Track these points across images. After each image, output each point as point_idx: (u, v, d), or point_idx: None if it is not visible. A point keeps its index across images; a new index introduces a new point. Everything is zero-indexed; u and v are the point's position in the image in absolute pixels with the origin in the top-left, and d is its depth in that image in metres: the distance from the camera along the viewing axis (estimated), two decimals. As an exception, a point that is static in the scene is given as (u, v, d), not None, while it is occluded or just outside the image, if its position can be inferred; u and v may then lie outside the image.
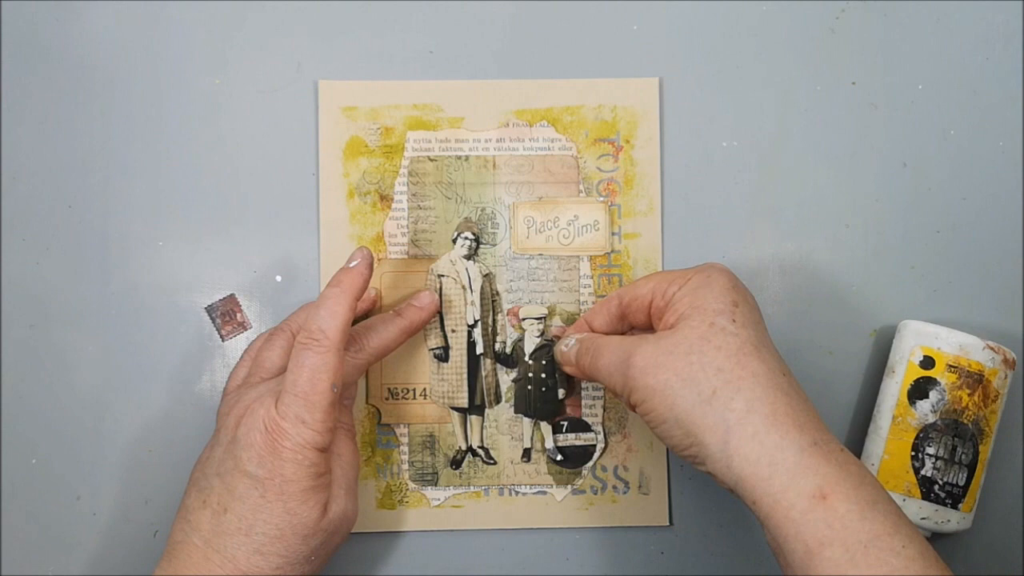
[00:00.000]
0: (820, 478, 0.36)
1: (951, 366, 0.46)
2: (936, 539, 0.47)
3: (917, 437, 0.46)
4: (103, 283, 0.49)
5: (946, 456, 0.45)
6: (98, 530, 0.48)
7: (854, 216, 0.50)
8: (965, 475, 0.46)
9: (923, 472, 0.45)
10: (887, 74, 0.50)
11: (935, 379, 0.46)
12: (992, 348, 0.46)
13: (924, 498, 0.46)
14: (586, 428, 0.49)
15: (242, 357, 0.47)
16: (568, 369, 0.46)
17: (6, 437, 0.48)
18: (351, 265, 0.43)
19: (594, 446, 0.49)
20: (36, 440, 0.48)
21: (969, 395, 0.46)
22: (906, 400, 0.46)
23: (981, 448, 0.46)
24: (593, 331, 0.46)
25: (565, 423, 0.49)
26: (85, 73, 0.49)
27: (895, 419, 0.46)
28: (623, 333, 0.46)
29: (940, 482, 0.46)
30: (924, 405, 0.46)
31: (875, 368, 0.49)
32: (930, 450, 0.45)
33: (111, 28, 0.49)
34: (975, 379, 0.46)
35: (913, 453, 0.46)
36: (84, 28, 0.49)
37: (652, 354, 0.40)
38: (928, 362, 0.46)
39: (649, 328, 0.44)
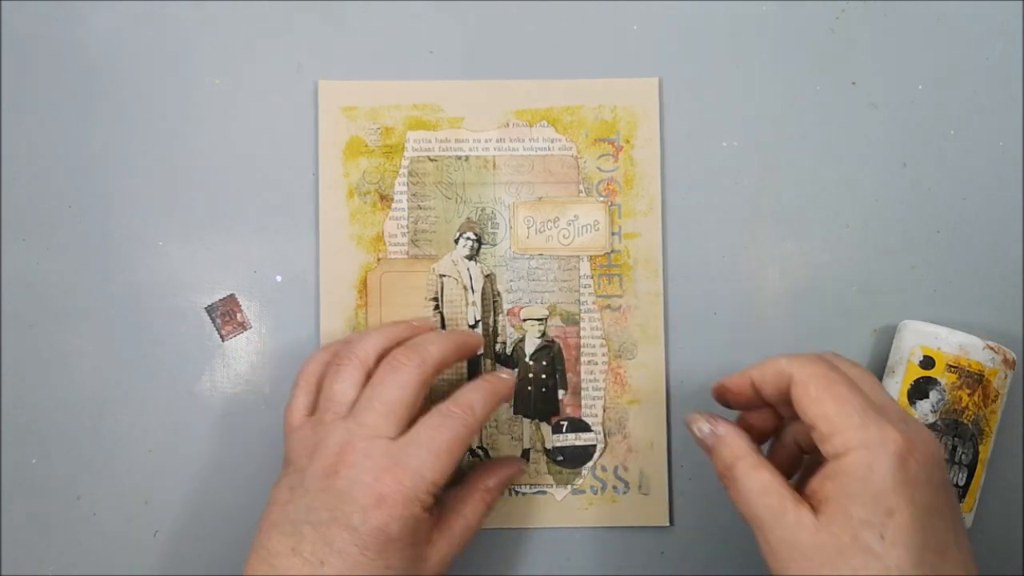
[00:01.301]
0: None
1: (951, 366, 0.46)
2: None
3: None
4: (103, 283, 0.49)
5: (946, 456, 0.45)
6: (98, 530, 0.48)
7: (854, 216, 0.50)
8: (965, 475, 0.46)
9: None
10: (887, 74, 0.50)
11: (935, 379, 0.46)
12: (992, 348, 0.46)
13: None
14: (586, 428, 0.49)
15: (298, 384, 0.44)
16: (705, 452, 0.41)
17: (6, 437, 0.48)
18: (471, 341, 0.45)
19: (594, 446, 0.49)
20: (36, 440, 0.48)
21: (969, 395, 0.46)
22: (906, 400, 0.46)
23: (981, 448, 0.46)
24: (756, 390, 0.41)
25: (564, 423, 0.49)
26: (85, 73, 0.49)
27: None
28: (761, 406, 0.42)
29: None
30: (924, 405, 0.46)
31: (875, 368, 0.49)
32: None
33: (111, 28, 0.49)
34: (975, 379, 0.46)
35: None
36: (84, 28, 0.49)
37: (785, 545, 0.36)
38: (928, 362, 0.46)
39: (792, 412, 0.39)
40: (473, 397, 0.41)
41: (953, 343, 0.46)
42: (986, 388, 0.46)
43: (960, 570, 0.35)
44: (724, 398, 0.43)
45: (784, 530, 0.36)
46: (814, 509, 0.36)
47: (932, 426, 0.46)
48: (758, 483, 0.37)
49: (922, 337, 0.46)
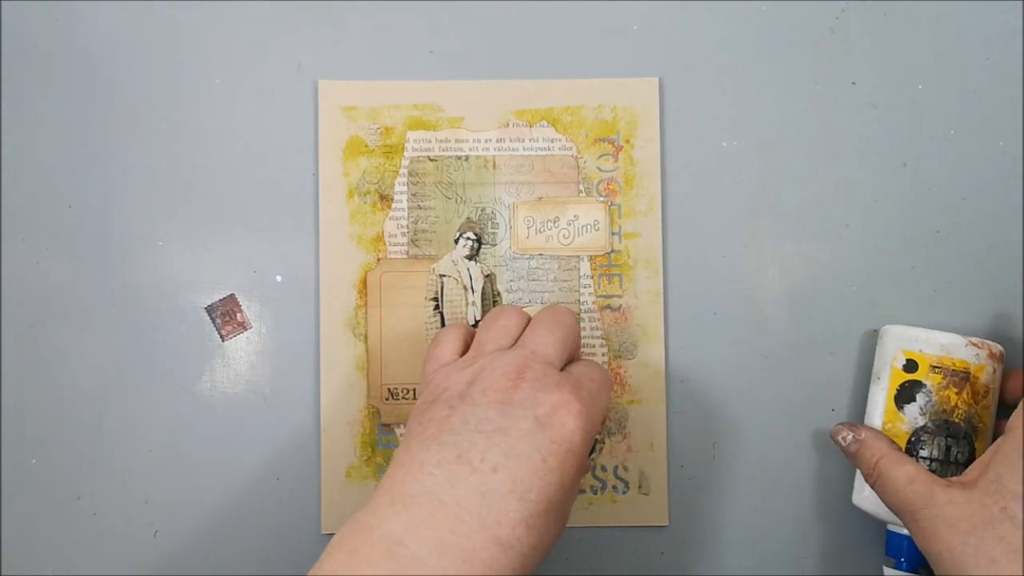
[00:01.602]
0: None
1: (934, 367, 0.45)
2: None
3: (909, 442, 0.45)
4: (103, 283, 0.49)
5: (940, 457, 0.45)
6: (98, 530, 0.48)
7: (854, 216, 0.50)
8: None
9: None
10: (887, 74, 0.50)
11: (920, 382, 0.46)
12: (975, 344, 0.46)
13: None
14: None
15: (448, 329, 0.44)
16: (851, 460, 0.46)
17: (6, 437, 0.48)
18: None
19: (593, 443, 0.49)
20: (36, 440, 0.48)
21: (957, 394, 0.45)
22: (894, 406, 0.46)
23: (977, 445, 0.46)
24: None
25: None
26: (85, 73, 0.49)
27: (885, 425, 0.46)
28: None
29: None
30: (912, 409, 0.46)
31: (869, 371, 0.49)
32: (923, 453, 0.45)
33: (111, 28, 0.49)
34: (961, 377, 0.45)
35: None
36: (84, 28, 0.49)
37: (935, 521, 0.39)
38: (911, 365, 0.46)
39: None
40: (598, 370, 0.42)
41: (934, 344, 0.46)
42: (974, 385, 0.46)
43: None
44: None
45: (934, 508, 0.39)
46: (963, 488, 0.39)
47: (922, 428, 0.45)
48: (904, 474, 0.41)
49: (903, 341, 0.46)
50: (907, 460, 0.43)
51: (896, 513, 0.42)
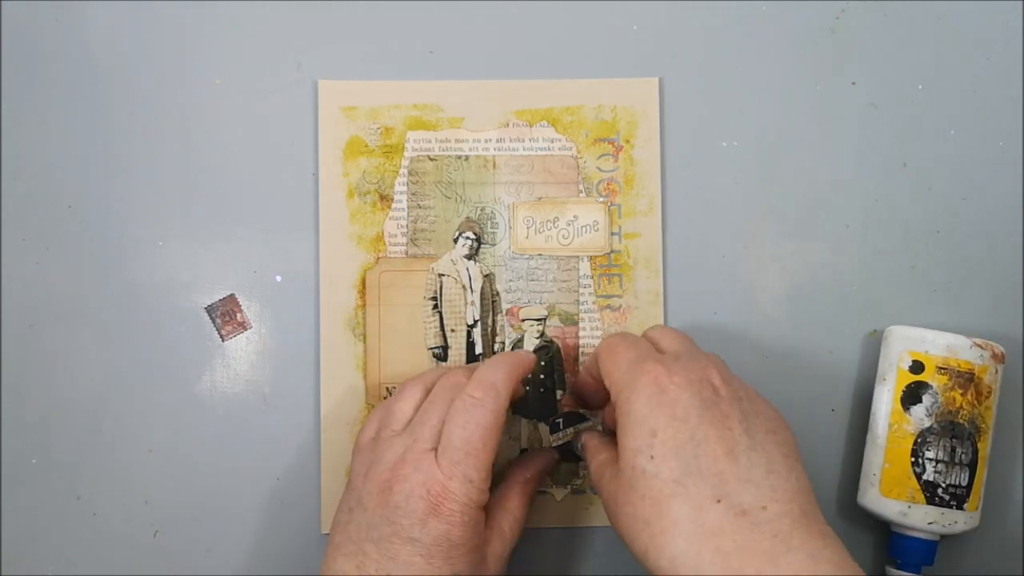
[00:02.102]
0: None
1: (940, 368, 0.45)
2: (945, 541, 0.47)
3: (915, 442, 0.45)
4: (103, 283, 0.49)
5: (946, 458, 0.45)
6: (98, 530, 0.48)
7: (854, 216, 0.50)
8: (967, 475, 0.46)
9: (925, 477, 0.45)
10: (887, 74, 0.50)
11: (926, 383, 0.46)
12: (979, 345, 0.46)
13: (929, 503, 0.45)
14: (582, 419, 0.49)
15: (372, 415, 0.45)
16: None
17: (6, 437, 0.48)
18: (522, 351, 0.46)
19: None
20: (36, 440, 0.48)
21: (962, 395, 0.45)
22: (900, 407, 0.46)
23: (980, 446, 0.46)
24: (593, 379, 0.44)
25: (560, 420, 0.49)
26: (85, 73, 0.49)
27: (891, 427, 0.46)
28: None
29: (943, 485, 0.45)
30: (919, 410, 0.46)
31: (875, 368, 0.49)
32: (929, 454, 0.45)
33: (111, 28, 0.50)
34: (966, 378, 0.45)
35: (913, 459, 0.45)
36: (84, 28, 0.49)
37: (607, 502, 0.39)
38: (918, 366, 0.46)
39: None
40: (494, 377, 0.41)
41: (940, 345, 0.46)
42: (978, 386, 0.46)
43: (760, 471, 0.36)
44: (582, 398, 0.47)
45: (604, 491, 0.39)
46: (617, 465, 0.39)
47: (928, 430, 0.45)
48: (597, 461, 0.41)
49: (909, 342, 0.46)
50: (604, 448, 0.42)
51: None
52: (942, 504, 0.45)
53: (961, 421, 0.45)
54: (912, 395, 0.46)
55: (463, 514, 0.39)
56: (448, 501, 0.39)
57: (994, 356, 0.46)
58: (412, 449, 0.40)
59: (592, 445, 0.43)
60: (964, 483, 0.46)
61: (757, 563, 0.34)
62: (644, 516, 0.36)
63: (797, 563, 0.33)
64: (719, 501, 0.35)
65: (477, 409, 0.40)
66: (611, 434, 0.42)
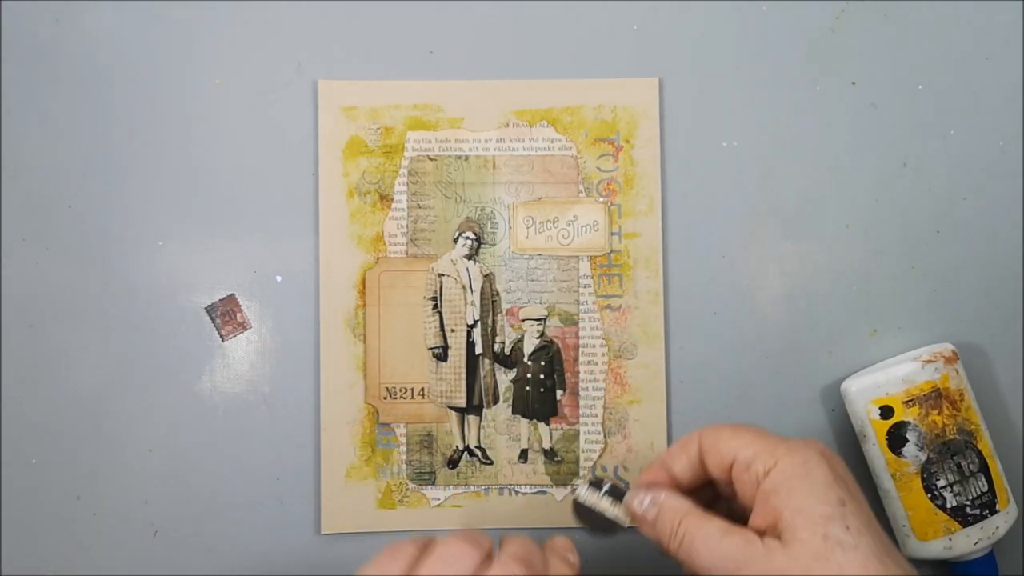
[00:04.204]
0: None
1: (907, 402, 0.45)
2: (999, 547, 0.47)
3: (923, 479, 0.45)
4: (103, 283, 0.49)
5: (958, 478, 0.45)
6: (98, 530, 0.48)
7: (854, 216, 0.50)
8: (984, 479, 0.45)
9: (949, 505, 0.45)
10: (887, 74, 0.50)
11: (903, 422, 0.45)
12: (928, 360, 0.46)
13: (965, 525, 0.45)
14: (621, 495, 0.41)
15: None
16: (646, 531, 0.40)
17: (6, 437, 0.48)
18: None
19: (624, 527, 0.41)
20: (36, 440, 0.48)
21: (939, 413, 0.45)
22: (891, 455, 0.46)
23: (981, 446, 0.46)
24: (672, 477, 0.40)
25: (607, 485, 0.42)
26: (85, 73, 0.49)
27: (895, 476, 0.46)
28: (704, 482, 0.40)
29: (969, 502, 0.45)
30: (909, 449, 0.45)
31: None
32: (941, 482, 0.45)
33: (111, 28, 0.50)
34: (934, 397, 0.45)
35: (930, 495, 0.45)
36: (84, 28, 0.49)
37: (766, 570, 0.34)
38: (887, 411, 0.45)
39: (731, 486, 0.38)
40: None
41: (896, 379, 0.46)
42: (948, 397, 0.45)
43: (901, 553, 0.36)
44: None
45: (759, 561, 0.34)
46: (776, 537, 0.35)
47: (928, 462, 0.45)
48: (716, 528, 0.36)
49: (868, 392, 0.46)
50: (714, 517, 0.37)
51: (712, 572, 0.36)
52: (977, 520, 0.45)
53: (952, 437, 0.45)
54: (896, 439, 0.46)
55: None
56: None
57: (947, 360, 0.46)
58: None
59: (682, 508, 0.38)
60: (985, 488, 0.45)
61: None
62: None
63: None
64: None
65: None
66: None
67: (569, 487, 0.48)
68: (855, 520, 0.34)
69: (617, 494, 0.41)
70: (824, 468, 0.35)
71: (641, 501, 0.39)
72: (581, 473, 0.49)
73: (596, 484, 0.42)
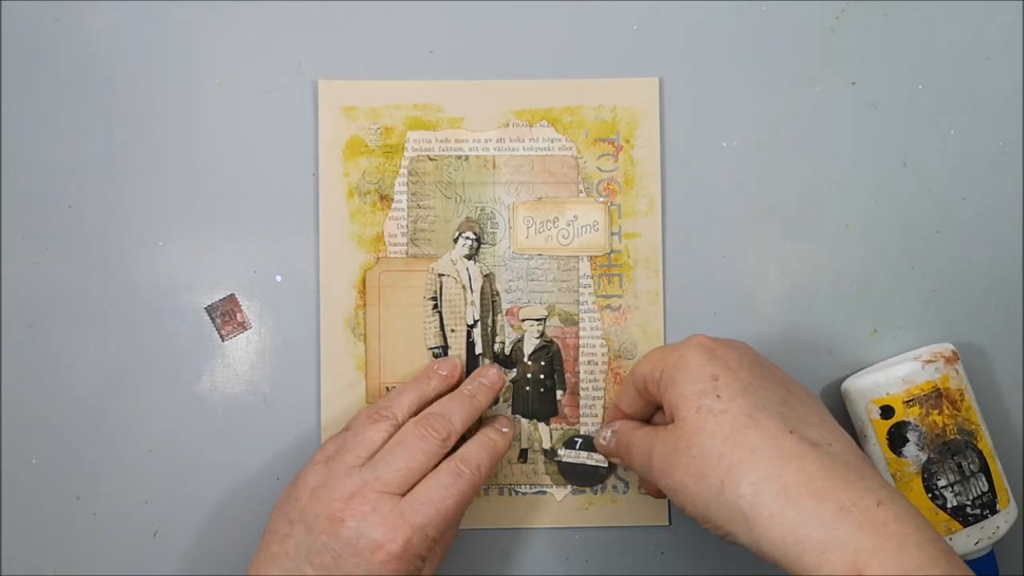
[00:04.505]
0: (852, 551, 0.34)
1: (907, 402, 0.45)
2: (999, 547, 0.47)
3: (923, 479, 0.45)
4: (103, 283, 0.49)
5: (958, 477, 0.45)
6: (98, 530, 0.48)
7: (854, 216, 0.50)
8: (984, 479, 0.45)
9: (949, 505, 0.45)
10: (887, 74, 0.50)
11: (904, 421, 0.45)
12: (929, 360, 0.46)
13: (965, 525, 0.45)
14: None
15: (332, 438, 0.45)
16: (616, 461, 0.46)
17: (6, 437, 0.48)
18: (485, 382, 0.47)
19: (605, 468, 0.49)
20: (36, 440, 0.48)
21: (939, 413, 0.45)
22: (892, 455, 0.46)
23: (981, 446, 0.46)
24: (624, 415, 0.46)
25: (579, 440, 0.49)
26: (85, 73, 0.49)
27: (895, 476, 0.46)
28: (651, 412, 0.45)
29: (969, 502, 0.45)
30: (910, 449, 0.45)
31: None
32: (941, 482, 0.45)
33: (111, 28, 0.50)
34: (934, 397, 0.45)
35: (930, 495, 0.45)
36: (84, 28, 0.49)
37: (663, 455, 0.39)
38: (887, 411, 0.46)
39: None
40: (481, 456, 0.43)
41: (896, 379, 0.46)
42: (948, 397, 0.45)
43: (815, 418, 0.38)
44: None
45: (660, 445, 0.40)
46: (672, 421, 0.40)
47: (929, 462, 0.45)
48: (639, 433, 0.42)
49: (869, 392, 0.46)
50: (643, 425, 0.44)
51: (643, 474, 0.42)
52: (977, 520, 0.45)
53: (952, 436, 0.45)
54: (897, 439, 0.46)
55: (409, 563, 0.40)
56: (399, 550, 0.39)
57: (947, 360, 0.46)
58: (372, 487, 0.41)
59: (627, 427, 0.44)
60: (985, 488, 0.45)
61: (839, 482, 0.35)
62: (716, 452, 0.37)
63: (875, 487, 0.35)
64: (791, 432, 0.37)
65: (463, 480, 0.42)
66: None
67: (555, 458, 0.49)
68: (727, 389, 0.38)
69: (590, 444, 0.48)
70: (698, 354, 0.40)
71: (604, 436, 0.46)
72: (585, 491, 0.49)
73: (570, 443, 0.48)
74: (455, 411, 0.44)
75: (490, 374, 0.47)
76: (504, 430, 0.46)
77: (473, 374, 0.47)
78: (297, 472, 0.44)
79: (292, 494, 0.42)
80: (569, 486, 0.49)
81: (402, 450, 0.42)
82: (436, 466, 0.42)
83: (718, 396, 0.38)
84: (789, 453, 0.36)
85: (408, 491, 0.41)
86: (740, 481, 0.36)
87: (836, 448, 0.37)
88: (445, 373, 0.47)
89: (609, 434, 0.45)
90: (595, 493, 0.49)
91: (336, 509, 0.40)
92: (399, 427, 0.44)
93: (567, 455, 0.49)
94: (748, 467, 0.36)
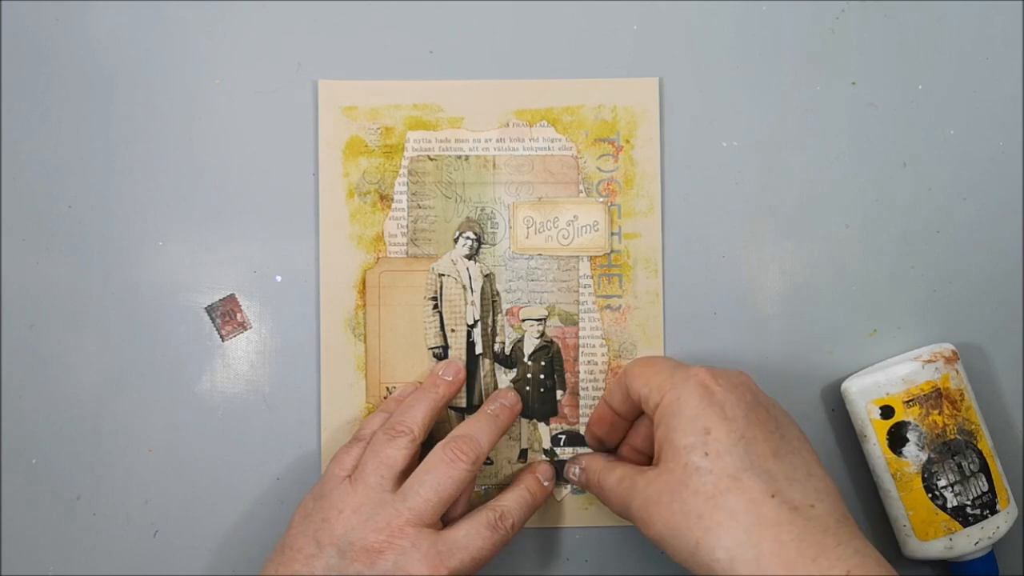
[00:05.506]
0: None
1: (907, 402, 0.45)
2: (999, 547, 0.47)
3: (924, 479, 0.45)
4: (103, 283, 0.49)
5: (958, 477, 0.45)
6: (98, 530, 0.48)
7: (854, 216, 0.50)
8: (984, 479, 0.45)
9: (949, 505, 0.45)
10: (887, 74, 0.50)
11: (903, 421, 0.45)
12: (928, 360, 0.45)
13: (966, 525, 0.45)
14: (583, 442, 0.49)
15: (351, 443, 0.45)
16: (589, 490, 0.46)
17: (6, 437, 0.48)
18: (506, 403, 0.47)
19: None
20: (36, 440, 0.48)
21: (939, 413, 0.45)
22: (892, 455, 0.46)
23: (981, 446, 0.46)
24: (614, 411, 0.45)
25: (563, 435, 0.49)
26: (85, 73, 0.49)
27: (895, 476, 0.46)
28: (638, 414, 0.45)
29: (969, 502, 0.45)
30: (910, 449, 0.45)
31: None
32: (941, 482, 0.45)
33: (111, 28, 0.50)
34: (934, 397, 0.45)
35: (930, 495, 0.45)
36: (84, 28, 0.49)
37: (644, 506, 0.39)
38: (887, 411, 0.45)
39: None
40: (519, 516, 0.44)
41: (896, 379, 0.46)
42: (948, 397, 0.45)
43: (802, 472, 0.38)
44: (598, 437, 0.47)
45: (640, 496, 0.39)
46: (655, 467, 0.40)
47: (929, 461, 0.45)
48: (614, 477, 0.42)
49: (868, 392, 0.46)
50: (619, 464, 0.43)
51: (620, 515, 0.42)
52: (977, 520, 0.45)
53: (952, 436, 0.45)
54: (897, 439, 0.45)
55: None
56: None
57: (947, 360, 0.46)
58: (408, 520, 0.41)
59: (598, 466, 0.44)
60: (985, 488, 0.45)
61: (812, 553, 0.35)
62: (696, 511, 0.37)
63: (848, 556, 0.35)
64: (773, 496, 0.37)
65: (498, 535, 0.43)
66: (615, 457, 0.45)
67: (554, 458, 0.49)
68: (716, 445, 0.38)
69: (575, 440, 0.49)
70: (694, 401, 0.39)
71: (573, 472, 0.46)
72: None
73: (555, 440, 0.49)
74: (482, 432, 0.45)
75: (509, 396, 0.48)
76: (545, 483, 0.46)
77: (493, 395, 0.48)
78: (314, 484, 0.44)
79: (318, 514, 0.42)
80: (569, 486, 0.49)
81: (431, 479, 0.42)
82: (470, 492, 0.44)
83: (706, 454, 0.38)
84: (767, 520, 0.36)
85: (441, 520, 0.42)
86: (716, 545, 0.36)
87: (817, 510, 0.37)
88: (451, 378, 0.47)
89: (578, 471, 0.46)
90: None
91: (372, 541, 0.41)
92: (416, 441, 0.44)
93: (562, 453, 0.49)
94: (725, 531, 0.36)
